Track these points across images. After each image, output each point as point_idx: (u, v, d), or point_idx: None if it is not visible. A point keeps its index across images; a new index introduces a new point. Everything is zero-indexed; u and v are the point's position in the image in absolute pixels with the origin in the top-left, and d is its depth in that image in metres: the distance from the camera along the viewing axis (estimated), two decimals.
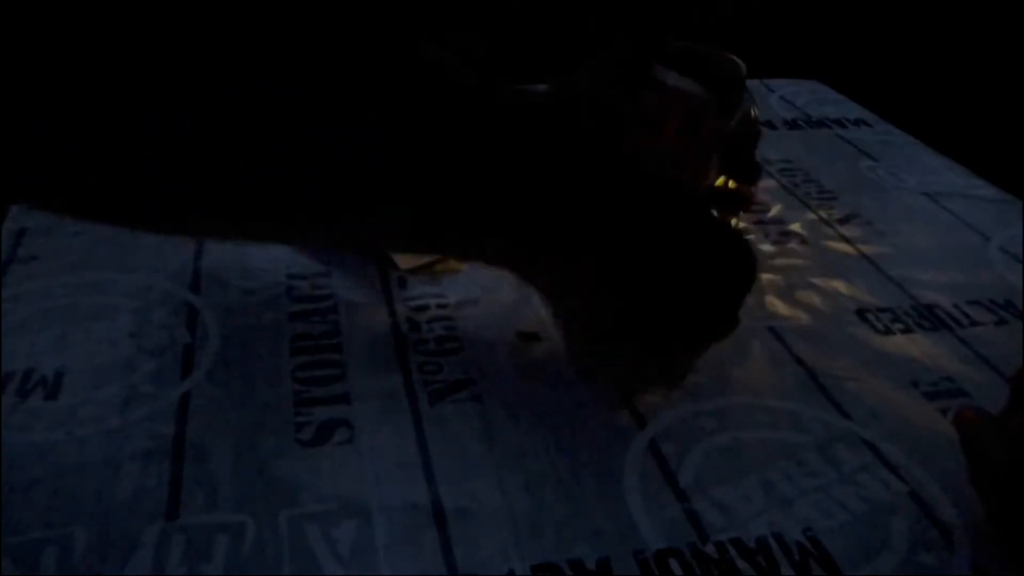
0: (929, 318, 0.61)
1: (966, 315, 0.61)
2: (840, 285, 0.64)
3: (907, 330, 0.59)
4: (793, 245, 0.69)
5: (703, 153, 0.53)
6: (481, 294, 0.59)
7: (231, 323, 0.55)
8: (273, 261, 0.61)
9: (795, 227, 0.72)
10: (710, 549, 0.42)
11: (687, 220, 0.44)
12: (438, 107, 0.38)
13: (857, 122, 0.95)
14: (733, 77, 0.54)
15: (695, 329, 0.46)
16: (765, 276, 0.64)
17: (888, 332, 0.59)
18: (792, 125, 0.93)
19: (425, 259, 0.61)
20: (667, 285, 0.43)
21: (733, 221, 0.64)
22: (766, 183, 0.79)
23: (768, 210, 0.74)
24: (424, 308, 0.58)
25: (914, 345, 0.58)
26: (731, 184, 0.65)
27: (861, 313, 0.61)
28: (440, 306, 0.58)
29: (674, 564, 0.41)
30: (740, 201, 0.60)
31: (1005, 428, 0.42)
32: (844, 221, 0.73)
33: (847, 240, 0.70)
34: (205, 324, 0.55)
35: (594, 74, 0.52)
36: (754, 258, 0.46)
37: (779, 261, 0.67)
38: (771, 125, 0.92)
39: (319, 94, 0.35)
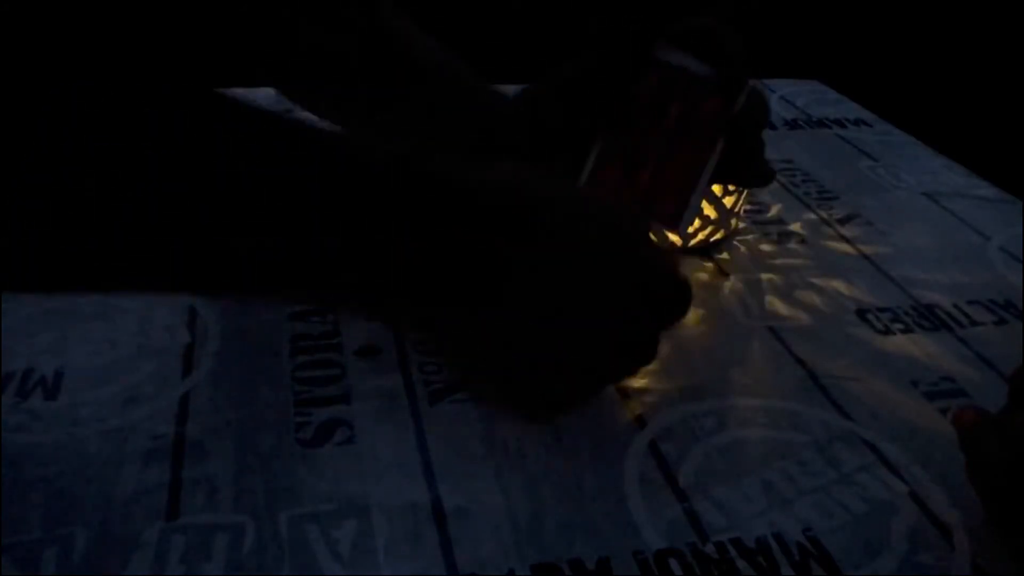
0: (929, 318, 0.61)
1: (966, 315, 0.61)
2: (840, 285, 0.64)
3: (907, 330, 0.59)
4: (793, 245, 0.69)
5: (705, 137, 0.51)
6: None
7: (231, 323, 0.55)
8: None
9: (795, 227, 0.72)
10: (710, 549, 0.42)
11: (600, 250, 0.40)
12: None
13: (857, 122, 0.95)
14: (734, 52, 0.51)
15: (610, 361, 0.42)
16: (765, 276, 0.64)
17: (888, 332, 0.59)
18: (792, 125, 0.93)
19: None
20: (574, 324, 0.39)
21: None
22: None
23: (768, 210, 0.74)
24: None
25: (914, 345, 0.58)
26: (727, 198, 0.64)
27: (861, 313, 0.61)
28: None
29: (674, 564, 0.41)
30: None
31: (1005, 428, 0.42)
32: (844, 221, 0.73)
33: (847, 240, 0.70)
34: (205, 324, 0.55)
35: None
36: (685, 291, 0.43)
37: (779, 261, 0.67)
38: (771, 125, 0.92)
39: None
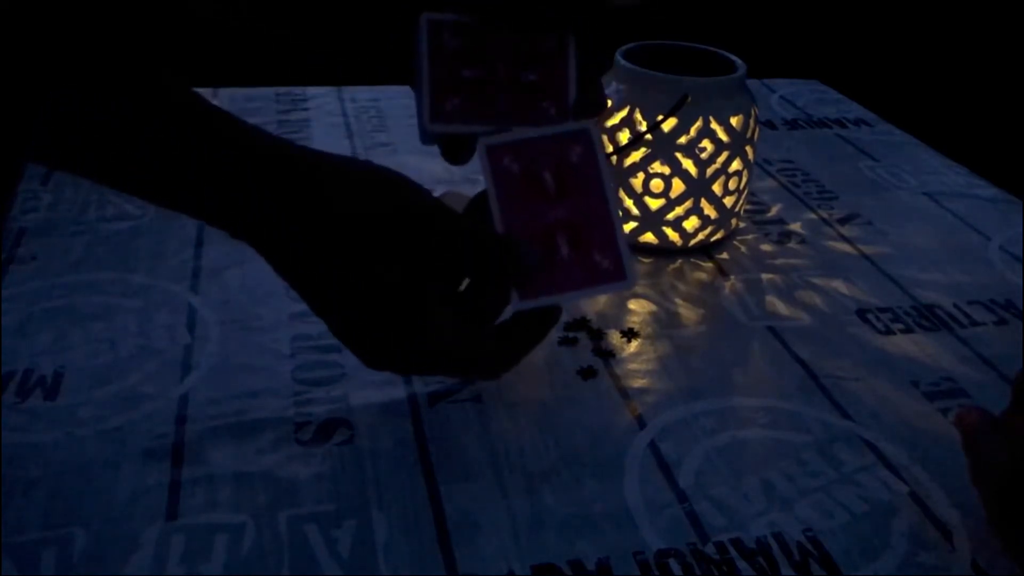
0: (929, 318, 0.61)
1: (966, 315, 0.61)
2: (840, 285, 0.64)
3: (907, 330, 0.59)
4: (793, 245, 0.69)
5: (590, 178, 0.47)
6: None
7: (231, 323, 0.55)
8: None
9: (795, 227, 0.72)
10: (710, 549, 0.42)
11: None
12: None
13: (857, 122, 0.95)
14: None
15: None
16: (765, 276, 0.64)
17: (888, 332, 0.59)
18: (792, 125, 0.93)
19: None
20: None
21: None
22: (766, 183, 0.79)
23: (768, 210, 0.74)
24: None
25: (914, 345, 0.58)
26: (727, 198, 0.64)
27: (861, 313, 0.61)
28: None
29: (674, 564, 0.41)
30: None
31: (1007, 429, 0.42)
32: (844, 221, 0.73)
33: (847, 240, 0.70)
34: (205, 324, 0.55)
35: None
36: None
37: (779, 261, 0.67)
38: (771, 125, 0.92)
39: None
